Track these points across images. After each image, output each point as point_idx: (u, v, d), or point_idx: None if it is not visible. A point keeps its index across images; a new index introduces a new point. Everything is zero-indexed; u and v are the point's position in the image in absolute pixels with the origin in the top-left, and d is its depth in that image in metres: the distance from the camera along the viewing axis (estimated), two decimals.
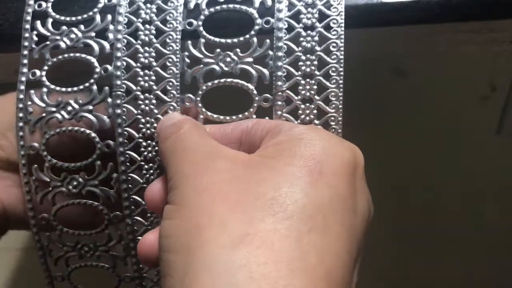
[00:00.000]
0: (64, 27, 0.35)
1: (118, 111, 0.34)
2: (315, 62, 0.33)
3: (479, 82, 0.63)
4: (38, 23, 0.35)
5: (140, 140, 0.34)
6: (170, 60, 0.34)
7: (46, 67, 0.35)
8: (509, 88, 0.63)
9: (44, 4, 0.36)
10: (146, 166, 0.34)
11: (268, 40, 0.33)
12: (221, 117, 0.33)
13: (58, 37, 0.35)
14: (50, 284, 0.38)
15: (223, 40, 0.34)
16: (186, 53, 0.34)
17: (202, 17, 0.34)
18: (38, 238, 0.36)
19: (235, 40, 0.33)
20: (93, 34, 0.35)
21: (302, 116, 0.33)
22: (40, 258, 0.37)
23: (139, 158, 0.34)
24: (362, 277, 0.29)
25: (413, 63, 0.55)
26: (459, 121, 0.64)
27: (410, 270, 0.78)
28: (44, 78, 0.34)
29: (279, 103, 0.33)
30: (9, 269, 0.71)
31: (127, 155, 0.34)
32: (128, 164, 0.34)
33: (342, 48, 0.33)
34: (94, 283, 0.38)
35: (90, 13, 0.35)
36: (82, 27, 0.35)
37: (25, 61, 0.35)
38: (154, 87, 0.33)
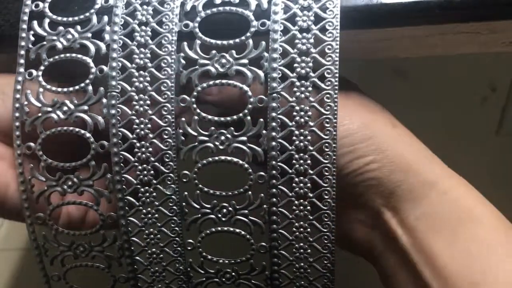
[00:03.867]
0: (61, 28, 0.35)
1: (113, 111, 0.34)
2: (310, 64, 0.33)
3: (479, 83, 0.63)
4: (35, 23, 0.35)
5: (134, 140, 0.34)
6: (165, 61, 0.34)
7: (42, 67, 0.35)
8: (509, 88, 0.63)
9: (41, 5, 0.36)
10: (140, 167, 0.34)
11: (263, 42, 0.33)
12: (216, 118, 0.33)
13: (54, 38, 0.35)
14: (47, 283, 0.38)
15: (218, 42, 0.33)
16: (182, 55, 0.34)
17: (198, 19, 0.34)
18: (34, 237, 0.36)
19: (231, 41, 0.33)
20: (89, 35, 0.35)
21: (297, 118, 0.33)
22: (36, 257, 0.37)
23: (133, 159, 0.34)
24: None
25: (413, 64, 0.55)
26: (459, 121, 0.64)
27: None
28: (40, 78, 0.35)
29: (274, 104, 0.33)
30: (9, 269, 0.72)
31: (121, 156, 0.34)
32: (122, 164, 0.34)
33: (337, 50, 0.33)
34: (89, 283, 0.38)
35: (87, 14, 0.35)
36: (78, 27, 0.35)
37: (22, 61, 0.35)
38: (149, 88, 0.34)
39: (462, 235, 0.33)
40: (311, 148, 0.33)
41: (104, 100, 0.34)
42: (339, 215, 0.34)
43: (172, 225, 0.35)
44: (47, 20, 0.35)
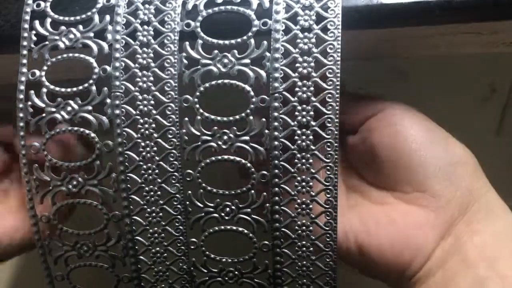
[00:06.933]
0: (63, 27, 0.35)
1: (117, 111, 0.34)
2: (312, 64, 0.33)
3: (479, 84, 0.63)
4: (37, 23, 0.35)
5: (139, 140, 0.34)
6: (168, 61, 0.34)
7: (45, 67, 0.35)
8: (509, 89, 0.63)
9: (42, 4, 0.36)
10: (144, 166, 0.34)
11: (265, 42, 0.33)
12: (218, 118, 0.34)
13: (57, 37, 0.35)
14: (50, 283, 0.38)
15: (220, 42, 0.34)
16: (184, 54, 0.34)
17: (200, 18, 0.34)
18: (38, 237, 0.36)
19: (233, 41, 0.34)
20: (91, 34, 0.35)
21: (299, 118, 0.33)
22: (40, 257, 0.37)
23: (137, 158, 0.34)
24: None
25: (413, 64, 0.55)
26: (459, 122, 0.64)
27: None
28: (43, 78, 0.35)
29: (276, 104, 0.33)
30: (9, 269, 0.72)
31: (125, 155, 0.34)
32: (126, 164, 0.34)
33: (339, 50, 0.33)
34: (93, 283, 0.38)
35: (89, 13, 0.35)
36: (80, 27, 0.35)
37: (25, 61, 0.35)
38: (152, 88, 0.34)
39: None
40: (313, 147, 0.33)
41: (108, 100, 0.34)
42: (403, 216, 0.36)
43: (176, 224, 0.35)
44: (49, 20, 0.35)
